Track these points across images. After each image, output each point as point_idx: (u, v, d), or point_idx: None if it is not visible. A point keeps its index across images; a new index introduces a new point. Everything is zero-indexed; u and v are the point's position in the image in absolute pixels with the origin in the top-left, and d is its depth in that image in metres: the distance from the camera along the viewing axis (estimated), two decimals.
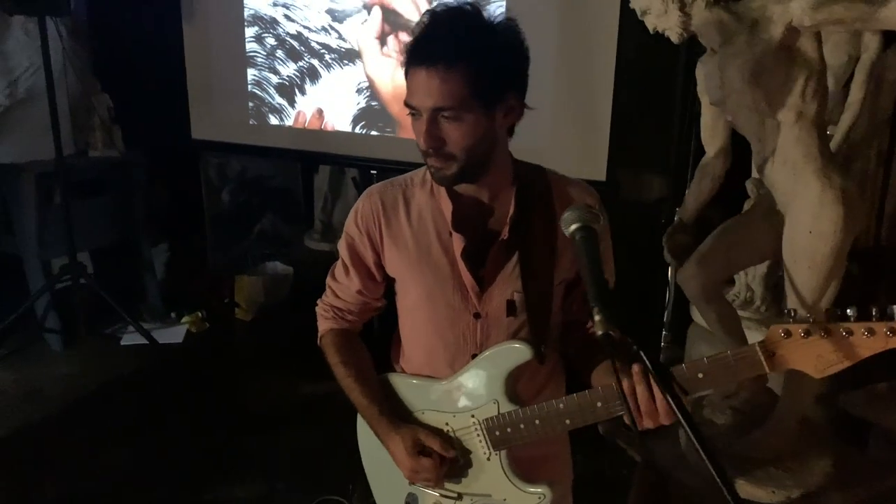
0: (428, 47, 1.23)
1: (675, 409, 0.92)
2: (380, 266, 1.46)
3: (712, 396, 1.98)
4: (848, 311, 1.01)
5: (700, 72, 1.74)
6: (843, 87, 2.47)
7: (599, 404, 1.21)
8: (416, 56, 1.23)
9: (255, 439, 3.30)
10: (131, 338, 4.23)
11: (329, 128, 3.86)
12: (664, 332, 3.39)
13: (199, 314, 4.48)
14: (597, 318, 0.93)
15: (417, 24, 1.26)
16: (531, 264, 1.34)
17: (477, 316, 1.37)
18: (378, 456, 1.50)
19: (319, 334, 1.54)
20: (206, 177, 5.02)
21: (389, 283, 1.50)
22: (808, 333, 1.02)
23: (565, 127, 3.21)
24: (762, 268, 2.64)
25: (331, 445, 3.13)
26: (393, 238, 1.40)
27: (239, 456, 3.15)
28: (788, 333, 1.04)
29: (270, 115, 4.03)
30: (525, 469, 1.37)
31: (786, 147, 1.51)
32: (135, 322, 4.11)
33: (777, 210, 1.65)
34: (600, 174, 3.11)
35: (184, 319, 4.45)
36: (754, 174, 2.50)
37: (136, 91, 4.22)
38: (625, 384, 1.11)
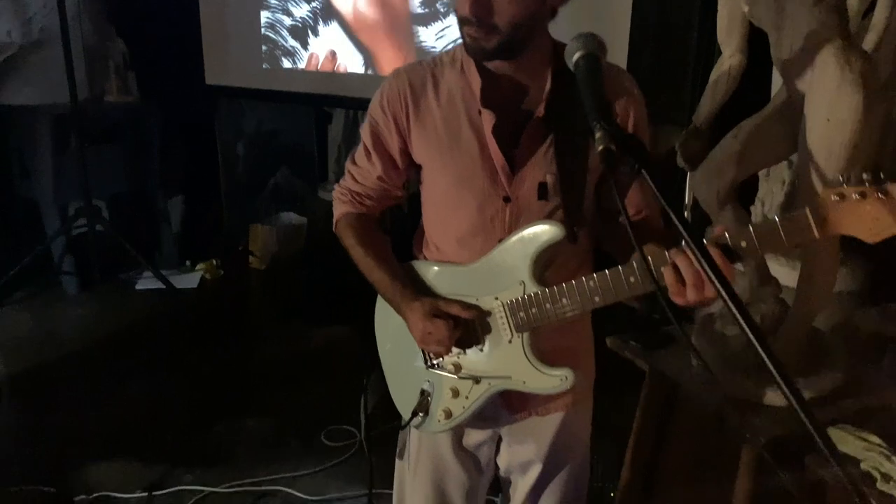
0: None
1: (710, 272, 0.87)
2: (404, 153, 1.40)
3: (725, 310, 1.95)
4: None
5: None
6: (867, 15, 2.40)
7: (632, 279, 1.17)
8: None
9: (267, 380, 3.32)
10: (146, 283, 4.27)
11: (342, 70, 3.83)
12: None
13: (214, 262, 4.51)
14: (598, 134, 0.90)
15: None
16: (566, 145, 1.28)
17: (507, 200, 1.32)
18: (395, 344, 1.49)
19: (335, 218, 1.50)
20: (221, 131, 5.02)
21: (414, 171, 1.44)
22: (863, 196, 0.97)
23: None
24: (779, 197, 2.58)
25: (342, 387, 3.14)
26: (421, 121, 1.34)
27: (251, 395, 3.18)
28: (842, 196, 0.98)
29: (283, 59, 4.00)
30: (547, 356, 1.34)
31: (804, 32, 1.47)
32: (151, 265, 4.14)
33: (793, 106, 1.61)
34: None
35: (198, 266, 4.48)
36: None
37: (150, 37, 4.22)
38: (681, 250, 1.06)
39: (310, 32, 3.87)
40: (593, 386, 1.60)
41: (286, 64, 4.00)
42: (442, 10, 3.39)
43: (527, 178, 1.31)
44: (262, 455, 2.70)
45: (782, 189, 2.52)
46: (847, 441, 1.53)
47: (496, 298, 1.32)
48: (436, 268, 1.43)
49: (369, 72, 3.74)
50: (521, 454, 1.55)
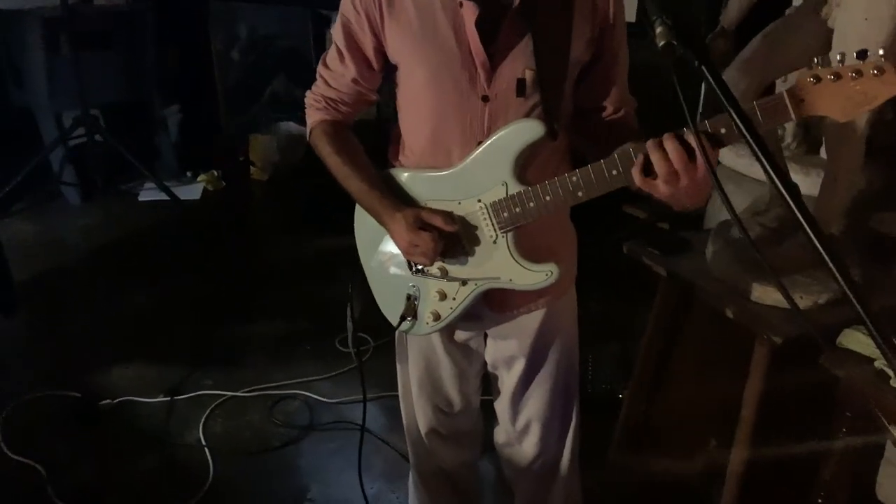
0: None
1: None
2: (379, 52, 1.35)
3: (742, 213, 1.96)
4: (880, 51, 0.98)
5: None
6: None
7: (615, 172, 1.17)
8: None
9: (275, 286, 3.36)
10: (148, 194, 4.25)
11: None
12: None
13: (215, 173, 4.47)
14: (658, 29, 0.88)
15: None
16: (545, 38, 1.25)
17: (485, 99, 1.29)
18: (377, 250, 1.48)
19: (309, 126, 1.44)
20: (215, 37, 4.87)
21: (388, 72, 1.39)
22: (837, 77, 0.99)
23: None
24: None
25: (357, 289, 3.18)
26: (395, 17, 1.29)
27: (262, 303, 3.22)
28: (818, 79, 1.00)
29: None
30: (530, 253, 1.35)
31: None
32: (154, 176, 4.10)
33: (824, 6, 1.57)
34: (630, 15, 3.00)
35: (200, 177, 4.45)
36: None
37: None
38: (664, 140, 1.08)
39: None
40: (576, 279, 1.59)
41: None
42: None
43: (505, 73, 1.28)
44: (277, 361, 2.77)
45: None
46: (861, 341, 1.58)
47: (479, 200, 1.32)
48: (415, 174, 1.40)
49: None
50: (505, 349, 1.59)
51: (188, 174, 4.50)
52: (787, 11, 1.96)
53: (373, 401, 2.52)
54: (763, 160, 0.88)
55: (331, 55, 1.40)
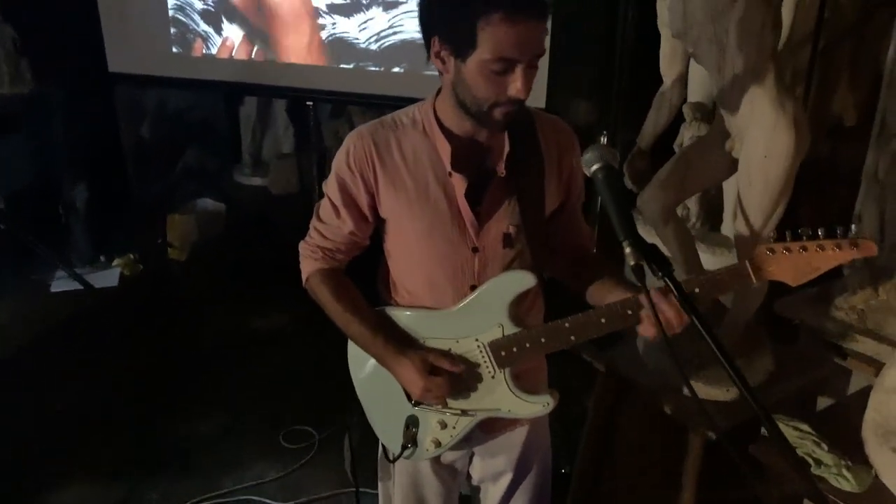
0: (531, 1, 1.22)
1: (697, 322, 1.06)
2: (373, 208, 1.46)
3: None
4: (819, 230, 1.24)
5: (662, 4, 1.82)
6: None
7: (603, 321, 1.33)
8: (520, 9, 1.20)
9: (209, 376, 3.30)
10: (61, 284, 4.08)
11: (259, 57, 3.73)
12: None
13: (132, 256, 4.35)
14: (627, 250, 1.03)
15: None
16: (527, 198, 1.41)
17: (475, 250, 1.43)
18: (374, 383, 1.57)
19: (305, 276, 1.54)
20: (122, 110, 4.78)
21: (378, 223, 1.51)
22: (788, 251, 1.25)
23: None
24: None
25: (291, 376, 3.19)
26: (389, 179, 1.41)
27: (194, 392, 3.16)
28: (773, 251, 1.26)
29: (195, 42, 3.84)
30: (523, 381, 1.48)
31: (744, 78, 1.63)
32: (68, 266, 3.96)
33: (728, 140, 1.79)
34: (540, 101, 3.22)
35: (115, 262, 4.31)
36: (690, 98, 2.64)
37: (43, 20, 3.93)
38: (653, 296, 1.19)
39: (223, 16, 3.73)
40: None
41: (198, 47, 3.84)
42: (364, 1, 3.37)
43: (492, 229, 1.43)
44: (223, 463, 2.73)
45: None
46: (784, 431, 1.77)
47: (476, 340, 1.45)
48: (411, 313, 1.50)
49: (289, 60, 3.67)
50: (493, 466, 1.71)
51: (102, 258, 4.36)
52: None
53: (326, 498, 2.55)
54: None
55: (325, 209, 1.50)
